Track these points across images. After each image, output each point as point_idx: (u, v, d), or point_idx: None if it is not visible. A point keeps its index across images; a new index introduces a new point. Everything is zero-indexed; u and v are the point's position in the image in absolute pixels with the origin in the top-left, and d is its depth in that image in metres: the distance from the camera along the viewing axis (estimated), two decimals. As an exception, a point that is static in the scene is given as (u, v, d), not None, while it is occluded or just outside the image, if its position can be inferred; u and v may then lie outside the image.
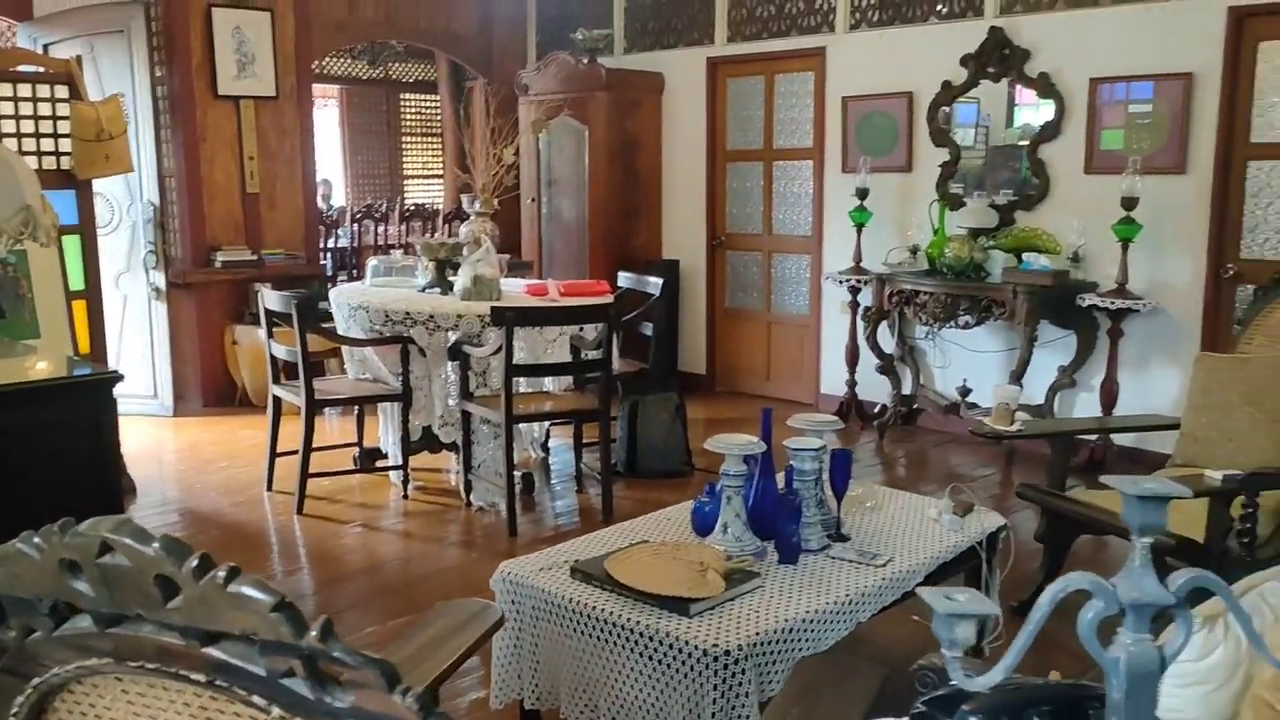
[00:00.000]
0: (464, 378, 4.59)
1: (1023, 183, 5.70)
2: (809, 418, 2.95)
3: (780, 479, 2.90)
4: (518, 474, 4.79)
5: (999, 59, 5.67)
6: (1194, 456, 3.57)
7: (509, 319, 4.16)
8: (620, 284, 5.51)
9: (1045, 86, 5.52)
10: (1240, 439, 3.46)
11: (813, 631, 2.38)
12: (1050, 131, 5.55)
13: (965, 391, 5.86)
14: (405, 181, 13.79)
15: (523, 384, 4.71)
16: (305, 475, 4.61)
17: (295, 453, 4.70)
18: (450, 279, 4.97)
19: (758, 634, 2.26)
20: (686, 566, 2.47)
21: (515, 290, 5.08)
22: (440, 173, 13.56)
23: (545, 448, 5.48)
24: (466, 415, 4.61)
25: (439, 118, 13.28)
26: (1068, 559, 3.58)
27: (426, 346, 4.63)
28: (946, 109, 5.96)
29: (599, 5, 7.68)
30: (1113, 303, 5.15)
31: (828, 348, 6.68)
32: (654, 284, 5.25)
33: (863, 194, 6.04)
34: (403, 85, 13.29)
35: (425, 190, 13.80)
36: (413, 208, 10.69)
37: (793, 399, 6.88)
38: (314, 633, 0.83)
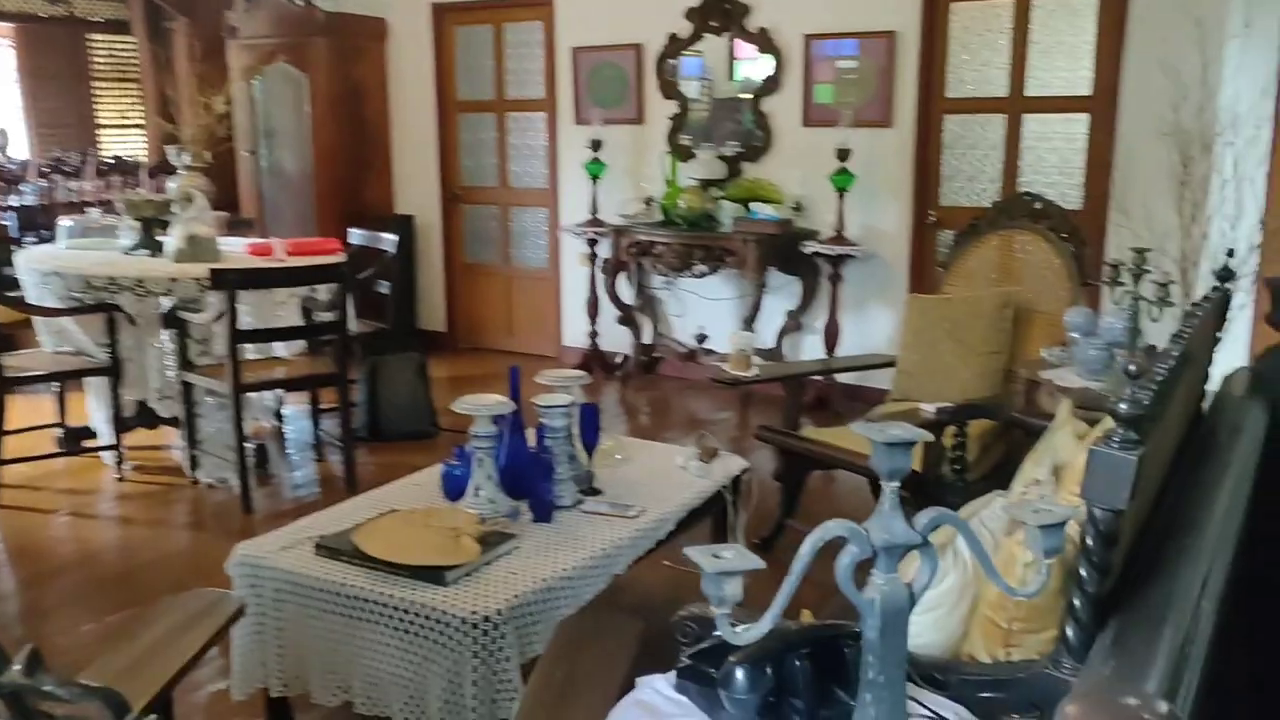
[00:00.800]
0: (182, 346, 4.24)
1: (747, 135, 5.91)
2: (556, 374, 2.93)
3: (530, 436, 2.87)
4: (250, 446, 4.50)
5: (721, 13, 5.82)
6: (909, 390, 3.86)
7: (231, 282, 3.87)
8: (352, 241, 5.26)
9: (764, 41, 5.72)
10: (947, 372, 3.77)
11: (571, 588, 2.37)
12: (771, 85, 5.77)
13: (702, 338, 6.06)
14: (99, 131, 12.46)
15: (250, 350, 4.41)
16: (-1, 462, 4.13)
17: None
18: (160, 239, 4.56)
19: (516, 596, 2.23)
20: (439, 533, 2.40)
21: (236, 250, 4.73)
22: (140, 122, 12.41)
23: (279, 416, 5.18)
24: (188, 387, 4.27)
25: (135, 62, 12.14)
26: (802, 494, 3.79)
27: (137, 314, 4.24)
28: (673, 61, 6.06)
29: (313, -56, 7.21)
30: (832, 249, 5.46)
31: (568, 300, 6.71)
32: (388, 240, 5.05)
33: (596, 146, 6.06)
34: (90, 25, 12.00)
35: (123, 142, 12.56)
36: (111, 161, 9.72)
37: (536, 353, 6.87)
38: (18, 666, 0.72)
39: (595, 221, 6.19)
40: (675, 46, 6.00)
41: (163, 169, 9.43)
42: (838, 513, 4.03)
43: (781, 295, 5.78)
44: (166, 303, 4.20)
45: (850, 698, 1.26)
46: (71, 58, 12.04)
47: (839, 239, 5.47)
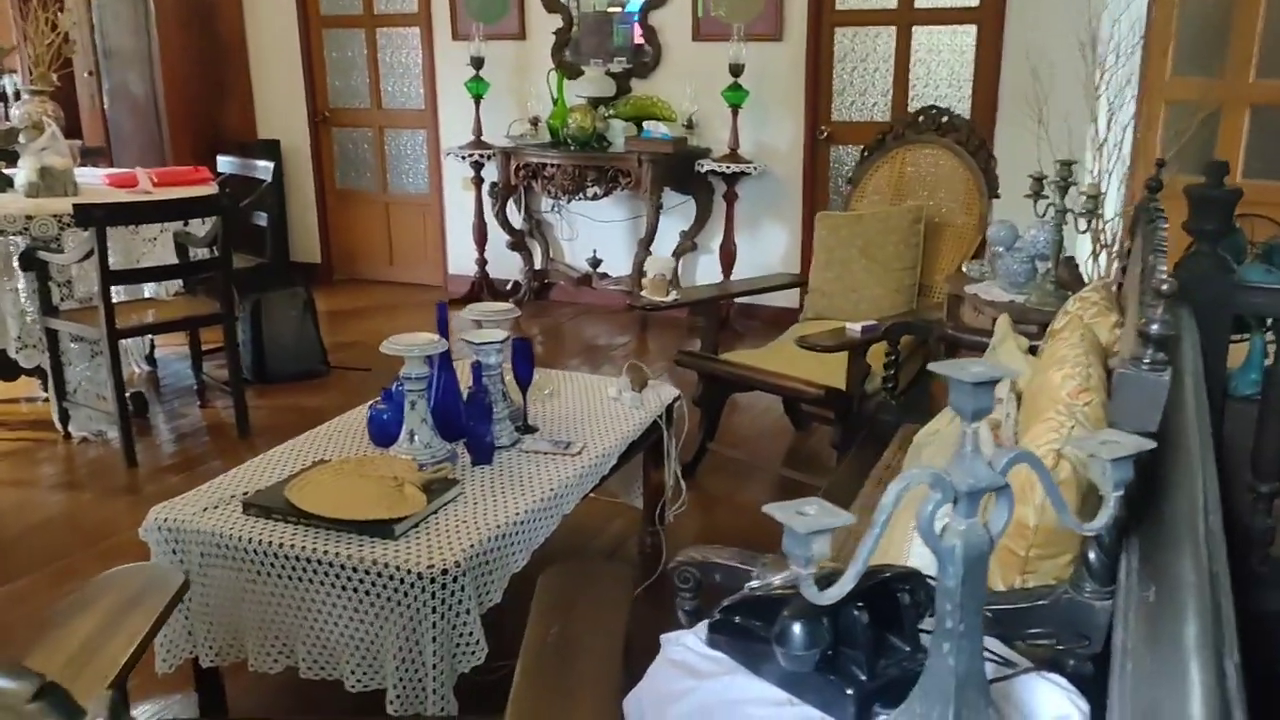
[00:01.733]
0: (44, 290, 3.87)
1: (627, 50, 5.72)
2: (485, 308, 2.78)
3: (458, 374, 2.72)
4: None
5: (605, -79, 5.58)
6: (823, 309, 3.85)
7: (99, 218, 3.52)
8: (221, 170, 4.88)
9: (651, -49, 5.52)
10: (861, 290, 3.76)
11: (525, 534, 2.26)
12: (659, -1, 5.59)
13: (596, 263, 5.93)
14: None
15: (119, 292, 4.06)
16: None
17: None
18: (7, 172, 4.13)
19: (472, 546, 2.10)
20: (379, 483, 2.24)
21: (94, 182, 4.33)
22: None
23: (151, 361, 4.84)
24: (53, 334, 3.91)
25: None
26: (720, 418, 3.75)
27: (-11, 257, 3.83)
28: (554, -27, 5.80)
29: None
30: (727, 167, 5.38)
31: (453, 226, 6.45)
32: (263, 168, 4.71)
33: (478, 64, 5.78)
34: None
35: (-67, 64, 11.38)
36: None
37: (419, 282, 6.62)
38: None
39: (479, 143, 5.93)
40: (557, -44, 5.74)
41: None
42: (757, 433, 4.01)
43: (675, 216, 5.68)
44: (21, 242, 3.81)
45: (905, 645, 1.21)
46: None
47: (733, 156, 5.39)
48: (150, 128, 6.45)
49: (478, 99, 5.86)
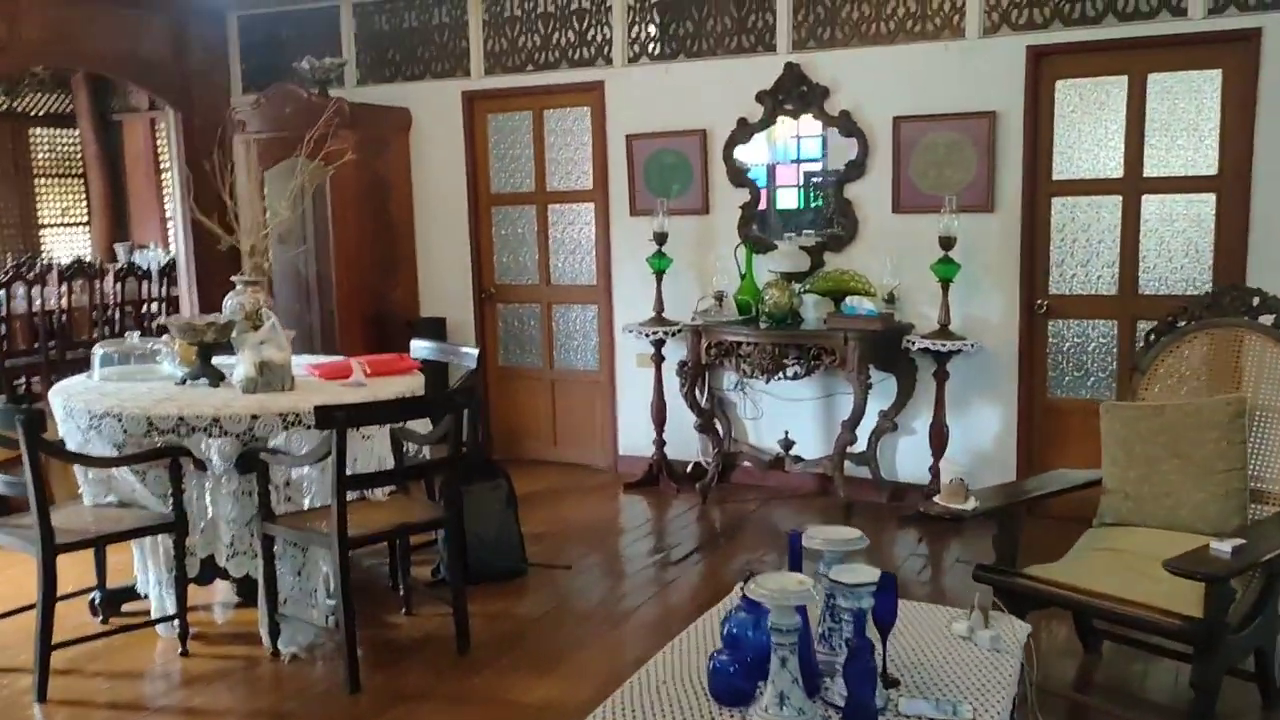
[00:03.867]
0: (264, 493, 3.59)
1: (828, 223, 5.50)
2: (827, 534, 2.40)
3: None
4: (328, 604, 3.84)
5: (797, 95, 5.43)
6: (1127, 515, 3.40)
7: (340, 419, 3.25)
8: (416, 354, 4.65)
9: (847, 124, 5.35)
10: (1175, 494, 3.31)
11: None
12: (855, 170, 5.38)
13: (789, 444, 5.56)
14: (41, 232, 11.62)
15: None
16: (48, 647, 3.40)
17: (12, 613, 3.49)
18: (220, 366, 3.94)
19: None
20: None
21: (302, 373, 4.11)
22: (85, 220, 11.61)
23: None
24: (269, 541, 3.61)
25: (79, 156, 11.38)
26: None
27: (210, 458, 3.57)
28: (744, 146, 5.64)
29: (320, 31, 6.70)
30: (941, 345, 5.03)
31: (625, 405, 6.16)
32: (466, 354, 4.47)
33: (661, 239, 5.59)
34: (32, 119, 11.26)
35: (68, 242, 11.72)
36: (74, 263, 8.92)
37: (586, 463, 6.30)
38: None
39: (661, 319, 5.68)
40: (746, 131, 5.59)
41: (132, 272, 8.70)
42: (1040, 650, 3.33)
43: (874, 394, 5.31)
44: (230, 443, 3.54)
45: None
46: (13, 154, 11.23)
47: (945, 333, 5.05)
48: (316, 306, 6.34)
49: (659, 274, 5.65)
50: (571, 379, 6.37)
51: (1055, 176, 5.03)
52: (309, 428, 3.57)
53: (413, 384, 4.08)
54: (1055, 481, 3.52)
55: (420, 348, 4.69)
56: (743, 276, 5.54)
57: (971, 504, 3.15)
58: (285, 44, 6.80)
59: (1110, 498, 3.45)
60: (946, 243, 4.96)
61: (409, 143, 6.51)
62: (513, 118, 6.29)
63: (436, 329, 6.38)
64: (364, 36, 6.63)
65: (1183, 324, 3.58)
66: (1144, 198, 4.87)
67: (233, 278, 4.13)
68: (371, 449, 3.88)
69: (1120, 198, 4.92)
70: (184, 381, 3.92)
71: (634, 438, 6.11)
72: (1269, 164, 4.57)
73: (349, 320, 6.21)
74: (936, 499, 3.19)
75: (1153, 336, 3.65)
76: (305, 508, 3.72)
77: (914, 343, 5.09)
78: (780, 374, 5.24)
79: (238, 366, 3.81)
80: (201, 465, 3.60)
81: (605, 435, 6.26)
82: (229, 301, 4.11)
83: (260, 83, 6.89)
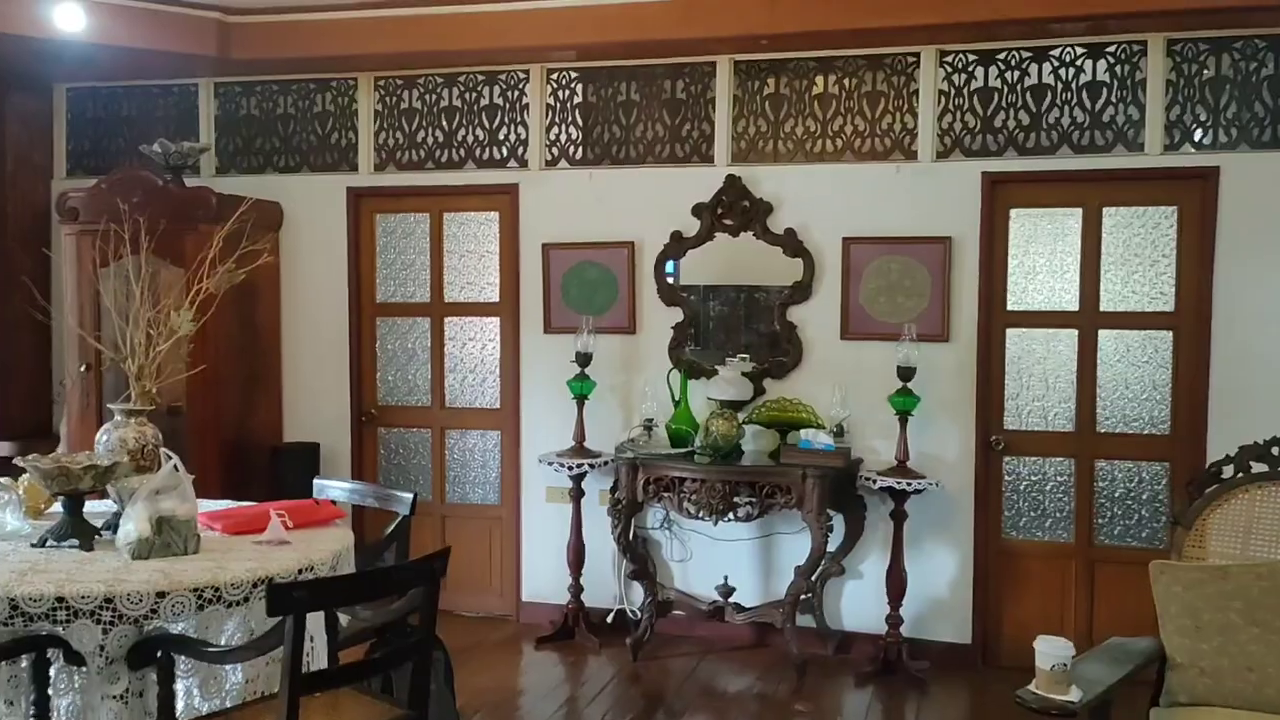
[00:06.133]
0: (166, 695, 2.69)
1: (771, 348, 5.09)
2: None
3: None
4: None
5: (740, 211, 5.05)
6: (1206, 694, 3.03)
7: (300, 601, 2.45)
8: (333, 498, 3.82)
9: (793, 243, 5.00)
10: (1262, 669, 2.98)
11: None
12: (801, 293, 5.01)
13: (728, 591, 5.01)
14: None
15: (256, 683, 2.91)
16: None
17: None
18: (94, 523, 3.02)
19: None
20: None
21: (201, 529, 3.21)
22: None
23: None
24: (170, 763, 2.69)
25: None
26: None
27: (93, 653, 2.64)
28: (676, 262, 5.19)
29: (172, 112, 5.83)
30: (901, 483, 4.65)
31: (531, 545, 5.44)
32: (402, 500, 3.68)
33: (585, 360, 5.02)
34: None
35: None
36: None
37: (482, 614, 5.49)
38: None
39: (582, 449, 5.06)
40: (680, 246, 5.14)
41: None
42: None
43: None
44: (119, 631, 2.65)
45: None
46: None
47: (904, 469, 4.69)
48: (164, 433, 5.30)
49: (581, 399, 5.05)
50: (466, 515, 5.59)
51: (1010, 307, 4.84)
52: (230, 605, 2.74)
53: (343, 539, 3.28)
54: (1125, 656, 3.12)
55: (329, 487, 3.86)
56: (676, 404, 5.02)
57: (1076, 694, 2.69)
58: (128, 123, 5.88)
59: (1182, 674, 3.08)
60: (905, 373, 4.64)
61: (279, 242, 5.67)
62: (406, 219, 5.59)
63: (308, 456, 5.49)
64: (226, 120, 5.79)
65: (1230, 478, 3.33)
66: (1100, 332, 4.74)
67: (111, 405, 3.23)
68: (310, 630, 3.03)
69: (1076, 331, 4.77)
70: (43, 543, 2.96)
71: (540, 582, 5.39)
72: (1228, 306, 4.53)
73: (203, 447, 5.21)
74: (1034, 688, 2.71)
75: (1194, 489, 3.38)
76: (226, 705, 2.82)
77: (873, 480, 4.69)
78: (731, 514, 4.71)
79: (125, 524, 2.90)
80: (82, 661, 2.66)
81: (507, 579, 5.50)
82: (103, 436, 3.20)
83: (89, 167, 5.92)
